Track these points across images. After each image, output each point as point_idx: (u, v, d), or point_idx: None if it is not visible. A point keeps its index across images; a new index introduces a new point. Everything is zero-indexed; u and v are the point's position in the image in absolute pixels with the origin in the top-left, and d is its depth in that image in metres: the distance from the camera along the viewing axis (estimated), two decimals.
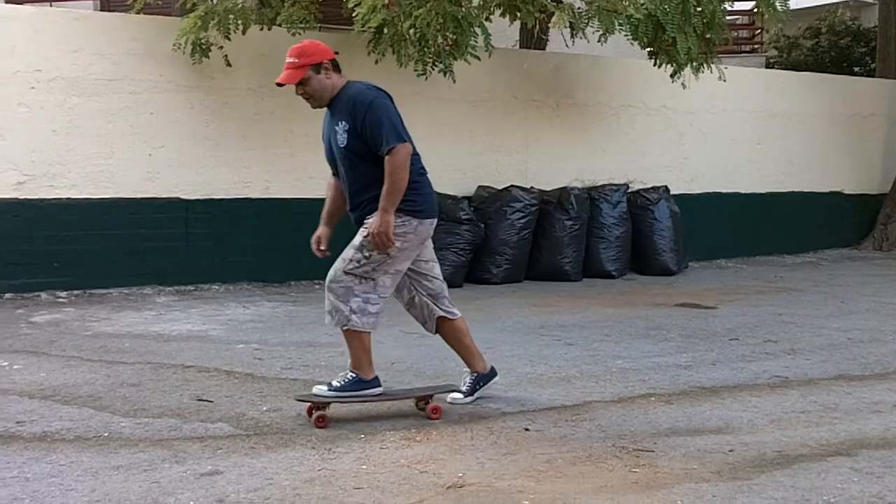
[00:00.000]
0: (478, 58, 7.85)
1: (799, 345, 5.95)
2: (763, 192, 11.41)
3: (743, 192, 11.23)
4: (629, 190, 9.73)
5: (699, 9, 8.43)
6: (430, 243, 4.35)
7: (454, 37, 7.62)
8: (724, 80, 9.45)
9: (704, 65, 9.00)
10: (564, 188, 9.30)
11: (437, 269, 4.40)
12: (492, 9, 8.09)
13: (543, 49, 10.19)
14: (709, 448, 3.79)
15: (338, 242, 4.32)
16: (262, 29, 8.14)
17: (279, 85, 4.17)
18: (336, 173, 4.33)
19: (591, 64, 10.11)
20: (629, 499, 3.23)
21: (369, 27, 7.34)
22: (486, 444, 3.84)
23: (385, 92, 4.17)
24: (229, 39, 7.75)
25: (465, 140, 9.31)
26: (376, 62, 7.74)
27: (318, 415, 4.07)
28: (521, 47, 10.30)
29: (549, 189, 9.32)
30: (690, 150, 10.85)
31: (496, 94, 9.51)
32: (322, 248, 4.37)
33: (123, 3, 9.34)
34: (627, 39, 8.49)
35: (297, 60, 4.09)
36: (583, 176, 9.92)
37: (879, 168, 12.70)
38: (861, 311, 7.34)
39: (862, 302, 7.86)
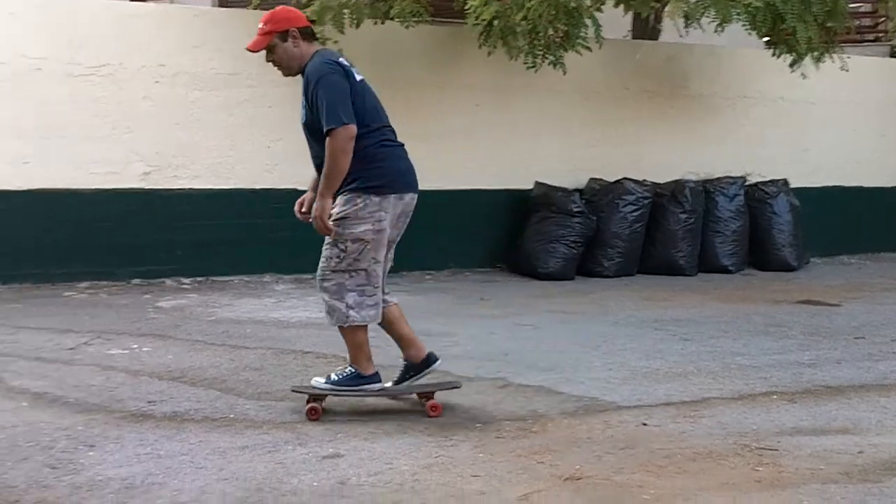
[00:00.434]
0: (589, 49, 7.77)
1: None
2: (888, 186, 10.94)
3: (866, 185, 10.79)
4: (746, 183, 9.46)
5: None
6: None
7: (565, 28, 7.57)
8: (847, 70, 9.08)
9: (825, 54, 8.68)
10: (679, 181, 9.11)
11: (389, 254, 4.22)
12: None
13: (656, 39, 10.01)
14: (836, 448, 3.66)
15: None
16: (375, 23, 8.25)
17: (250, 51, 4.02)
18: None
19: (705, 54, 9.87)
20: (753, 497, 3.15)
21: (482, 20, 7.35)
22: (602, 437, 3.81)
23: (342, 66, 3.97)
24: (343, 34, 7.88)
25: (576, 132, 9.20)
26: (489, 54, 7.76)
27: (310, 406, 4.01)
28: (633, 38, 10.13)
29: (662, 182, 9.16)
30: (810, 142, 10.48)
31: (608, 85, 9.38)
32: (303, 210, 4.23)
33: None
34: (745, 29, 8.23)
35: (264, 27, 3.95)
36: (698, 168, 9.68)
37: None
38: None
39: None
